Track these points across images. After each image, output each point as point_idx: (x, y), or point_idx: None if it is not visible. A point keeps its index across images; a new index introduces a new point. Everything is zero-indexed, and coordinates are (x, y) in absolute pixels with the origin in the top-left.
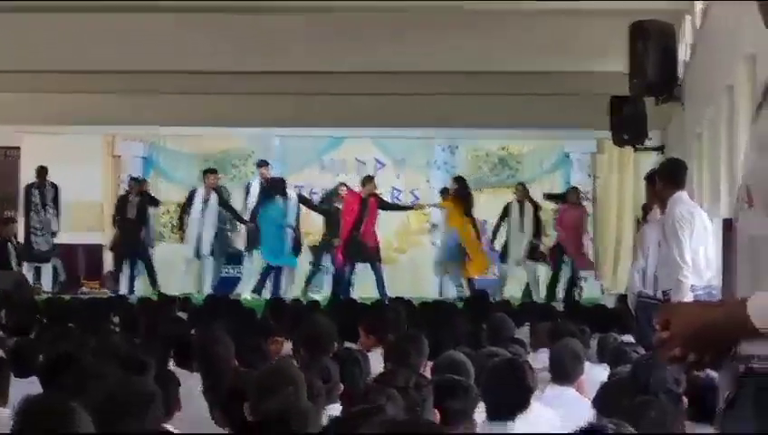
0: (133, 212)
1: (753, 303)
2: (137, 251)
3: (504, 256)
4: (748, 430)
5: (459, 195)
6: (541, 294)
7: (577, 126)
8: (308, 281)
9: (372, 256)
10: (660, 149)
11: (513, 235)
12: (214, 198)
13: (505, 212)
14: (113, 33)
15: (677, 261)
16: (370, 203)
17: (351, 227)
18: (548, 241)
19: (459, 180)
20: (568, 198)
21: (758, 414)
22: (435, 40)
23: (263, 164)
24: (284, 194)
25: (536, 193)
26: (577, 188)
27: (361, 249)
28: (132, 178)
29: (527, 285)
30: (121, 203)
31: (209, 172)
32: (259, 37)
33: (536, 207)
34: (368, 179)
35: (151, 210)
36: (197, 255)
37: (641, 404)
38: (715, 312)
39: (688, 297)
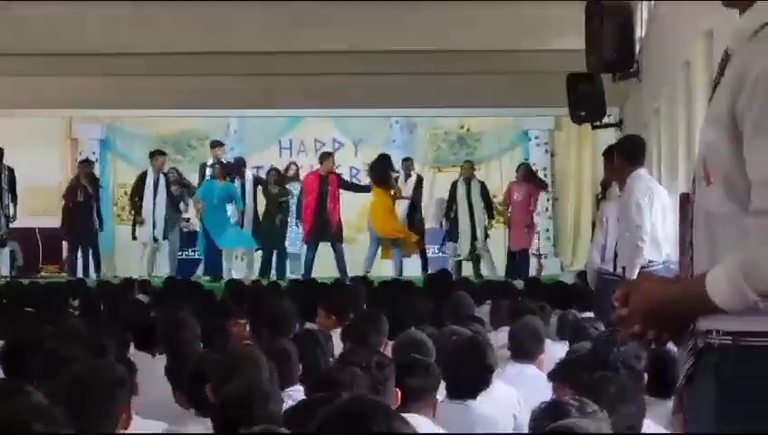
0: (81, 196)
1: (710, 279)
2: (86, 235)
3: (453, 234)
4: (708, 405)
5: (377, 179)
6: (498, 272)
7: (535, 104)
8: (264, 269)
9: (335, 236)
10: (618, 125)
11: (460, 213)
12: (163, 180)
13: (453, 191)
14: (68, 16)
15: (636, 227)
16: (331, 180)
17: (316, 206)
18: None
19: (374, 161)
20: (516, 174)
21: (718, 388)
22: (392, 19)
23: (216, 145)
24: (242, 176)
25: (495, 171)
26: (526, 164)
27: (327, 228)
28: (82, 161)
29: (477, 263)
30: (71, 187)
31: (157, 154)
32: (216, 18)
33: (483, 185)
34: (325, 156)
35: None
36: (154, 238)
37: (601, 380)
38: (673, 288)
39: (642, 262)
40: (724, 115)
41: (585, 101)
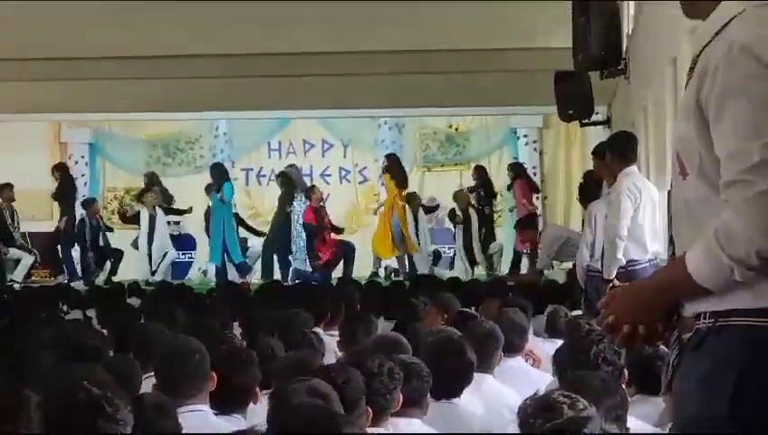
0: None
1: (690, 255)
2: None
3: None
4: (688, 383)
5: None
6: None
7: (523, 102)
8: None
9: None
10: (606, 122)
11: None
12: (160, 214)
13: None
14: (54, 19)
15: (611, 226)
16: (323, 212)
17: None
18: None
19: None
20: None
21: (696, 367)
22: (379, 19)
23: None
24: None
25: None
26: (515, 162)
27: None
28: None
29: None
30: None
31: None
32: (203, 20)
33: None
34: (312, 189)
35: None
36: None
37: (584, 377)
38: (656, 276)
39: (622, 262)
40: (693, 106)
41: (573, 99)
